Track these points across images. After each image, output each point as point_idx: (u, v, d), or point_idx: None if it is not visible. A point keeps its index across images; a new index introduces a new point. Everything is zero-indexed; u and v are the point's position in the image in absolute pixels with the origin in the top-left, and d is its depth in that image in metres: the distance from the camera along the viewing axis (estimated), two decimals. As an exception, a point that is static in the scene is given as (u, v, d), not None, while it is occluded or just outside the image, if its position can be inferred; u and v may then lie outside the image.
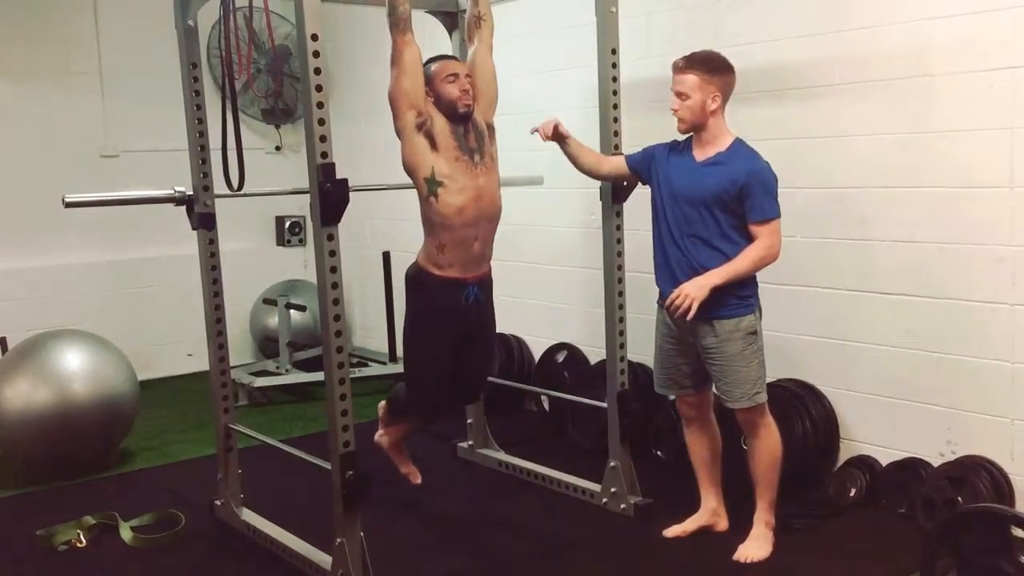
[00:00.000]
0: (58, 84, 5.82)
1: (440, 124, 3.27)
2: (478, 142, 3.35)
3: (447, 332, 3.36)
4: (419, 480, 3.67)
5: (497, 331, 4.95)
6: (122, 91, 5.98)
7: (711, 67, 3.20)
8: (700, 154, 3.27)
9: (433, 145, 3.24)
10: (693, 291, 3.13)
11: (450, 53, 3.59)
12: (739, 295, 3.23)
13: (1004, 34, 3.30)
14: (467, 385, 3.60)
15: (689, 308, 3.12)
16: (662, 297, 3.38)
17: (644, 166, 3.43)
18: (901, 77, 3.58)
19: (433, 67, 3.34)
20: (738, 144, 3.26)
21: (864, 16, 3.66)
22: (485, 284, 3.45)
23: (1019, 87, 3.28)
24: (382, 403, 3.71)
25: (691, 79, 3.18)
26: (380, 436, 3.69)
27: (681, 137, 3.35)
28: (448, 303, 3.34)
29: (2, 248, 5.67)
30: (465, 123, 3.34)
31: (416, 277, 3.38)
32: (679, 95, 3.20)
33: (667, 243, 3.31)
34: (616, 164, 3.54)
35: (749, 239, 3.20)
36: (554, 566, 3.36)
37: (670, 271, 3.30)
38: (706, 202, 3.20)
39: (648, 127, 3.80)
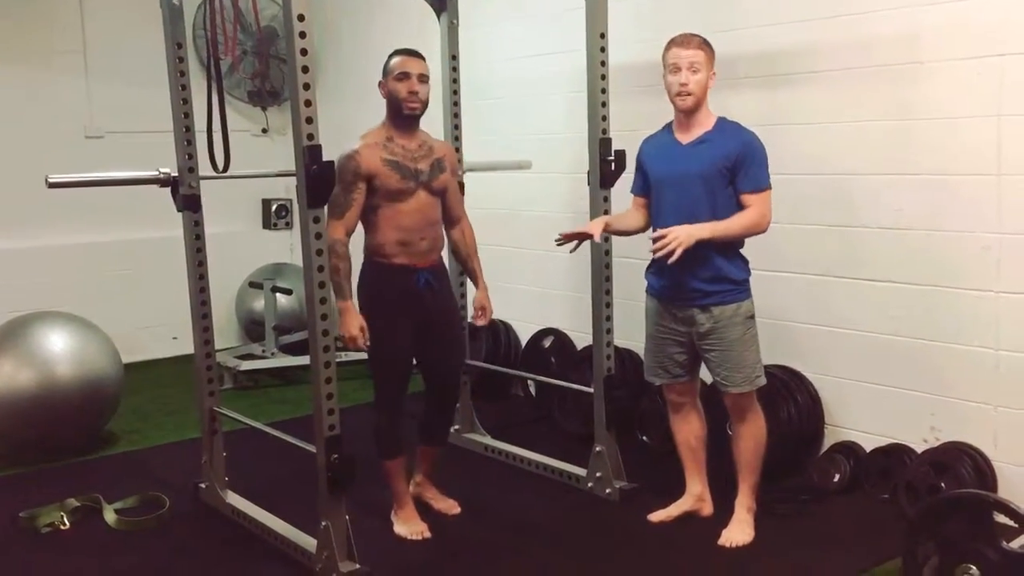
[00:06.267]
0: (42, 64, 5.77)
1: (383, 176, 3.25)
2: (430, 169, 3.35)
3: (403, 316, 3.33)
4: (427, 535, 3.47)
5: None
6: (107, 71, 5.93)
7: (711, 47, 3.22)
8: (685, 136, 3.26)
9: (377, 187, 3.27)
10: (683, 236, 3.08)
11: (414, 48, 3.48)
12: (737, 281, 3.25)
13: (992, 21, 3.30)
14: (439, 378, 3.55)
15: (673, 252, 3.06)
16: (652, 288, 3.38)
17: (647, 181, 3.38)
18: (890, 64, 3.58)
19: (391, 61, 3.32)
20: (722, 121, 3.27)
21: (854, 3, 3.65)
22: (437, 271, 3.44)
23: (1007, 74, 3.28)
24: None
25: (702, 54, 3.18)
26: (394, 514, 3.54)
27: (640, 131, 3.38)
28: (401, 286, 3.33)
29: (-15, 229, 5.63)
30: (413, 132, 3.34)
31: (367, 265, 3.37)
32: (692, 67, 3.16)
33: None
34: (641, 203, 3.44)
35: None
36: (539, 550, 3.36)
37: (664, 262, 3.27)
38: (700, 180, 3.19)
39: (636, 111, 3.80)
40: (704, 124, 3.25)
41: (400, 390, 3.43)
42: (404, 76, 3.28)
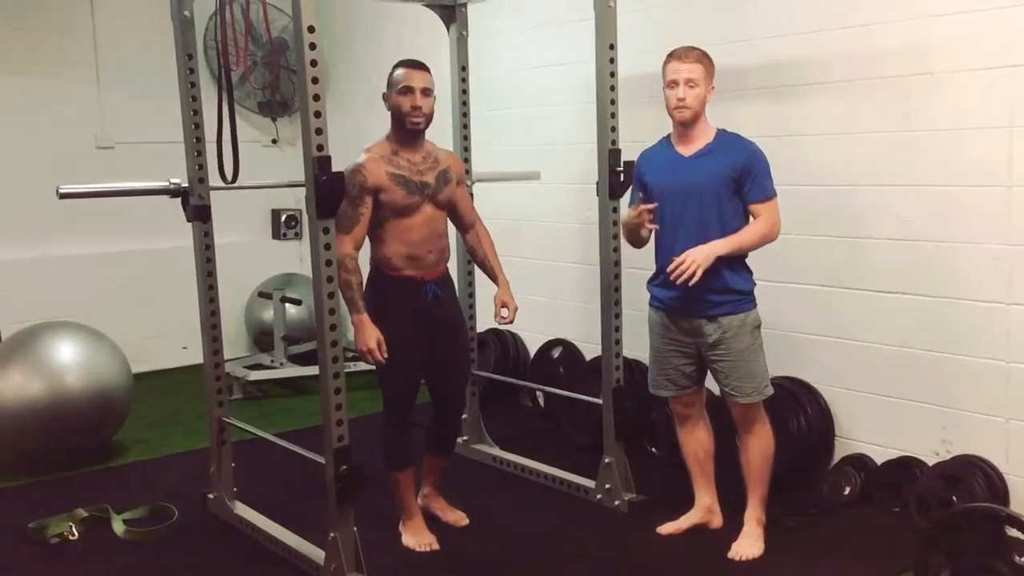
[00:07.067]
0: (54, 75, 5.80)
1: (389, 191, 3.23)
2: (436, 181, 3.33)
3: (412, 328, 3.31)
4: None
5: (492, 327, 4.97)
6: (118, 82, 5.95)
7: (710, 60, 3.23)
8: (686, 149, 3.26)
9: (382, 201, 3.25)
10: (700, 258, 3.08)
11: (420, 59, 3.40)
12: (743, 291, 3.25)
13: (1004, 32, 3.29)
14: (446, 389, 3.53)
15: (693, 274, 3.07)
16: (657, 300, 3.37)
17: (647, 195, 3.35)
18: (900, 75, 3.57)
19: (395, 73, 3.29)
20: (722, 132, 3.27)
21: (864, 14, 3.65)
22: (444, 282, 3.43)
23: (1018, 85, 3.27)
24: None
25: (700, 68, 3.19)
26: (403, 525, 3.52)
27: (650, 142, 3.38)
28: (409, 298, 3.31)
29: (-3, 239, 5.65)
30: (418, 145, 3.32)
31: (374, 277, 3.35)
32: (689, 82, 3.17)
33: (667, 247, 3.25)
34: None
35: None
36: (547, 563, 3.35)
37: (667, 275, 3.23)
38: (708, 191, 3.19)
39: (646, 122, 3.79)
40: (704, 136, 3.25)
41: (409, 401, 3.43)
42: (407, 91, 3.24)
